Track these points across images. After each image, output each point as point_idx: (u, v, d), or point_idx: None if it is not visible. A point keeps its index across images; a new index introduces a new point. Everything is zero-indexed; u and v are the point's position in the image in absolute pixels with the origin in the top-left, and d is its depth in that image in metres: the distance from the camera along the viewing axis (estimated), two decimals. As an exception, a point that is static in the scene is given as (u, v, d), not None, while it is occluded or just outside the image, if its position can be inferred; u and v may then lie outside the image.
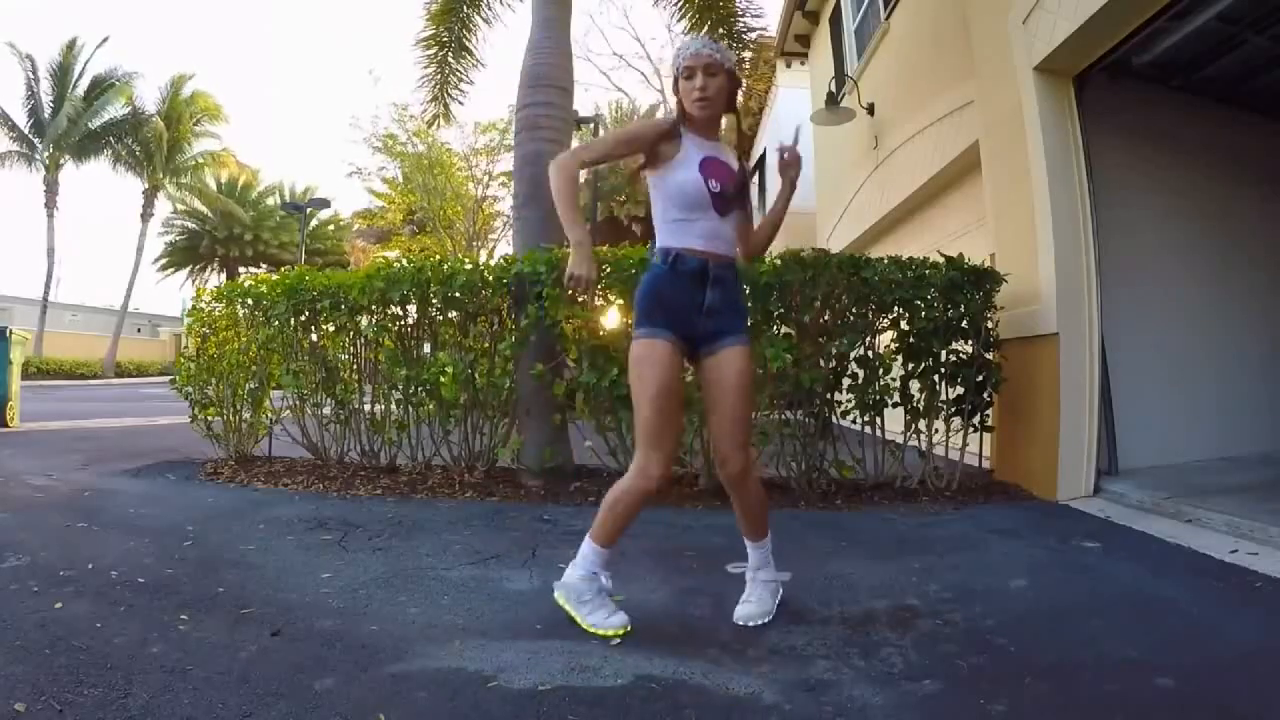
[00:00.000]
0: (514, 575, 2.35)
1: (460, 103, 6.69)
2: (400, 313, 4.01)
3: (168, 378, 6.32)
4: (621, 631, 1.81)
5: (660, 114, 17.05)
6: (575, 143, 4.88)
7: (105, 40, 22.23)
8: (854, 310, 3.68)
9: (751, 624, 1.89)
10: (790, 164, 2.05)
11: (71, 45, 21.35)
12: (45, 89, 21.29)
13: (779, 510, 3.38)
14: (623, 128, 2.01)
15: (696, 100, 1.88)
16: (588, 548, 1.91)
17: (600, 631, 1.82)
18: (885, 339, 3.83)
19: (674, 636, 1.85)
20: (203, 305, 4.65)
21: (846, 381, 3.70)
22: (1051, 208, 3.67)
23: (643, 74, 25.47)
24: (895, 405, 3.74)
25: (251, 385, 4.40)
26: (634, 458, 1.88)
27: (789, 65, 11.04)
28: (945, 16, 5.23)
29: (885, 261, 3.68)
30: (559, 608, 1.91)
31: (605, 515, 1.88)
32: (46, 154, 21.38)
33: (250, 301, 4.36)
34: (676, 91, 1.97)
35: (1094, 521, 3.15)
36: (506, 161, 18.48)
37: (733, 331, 1.90)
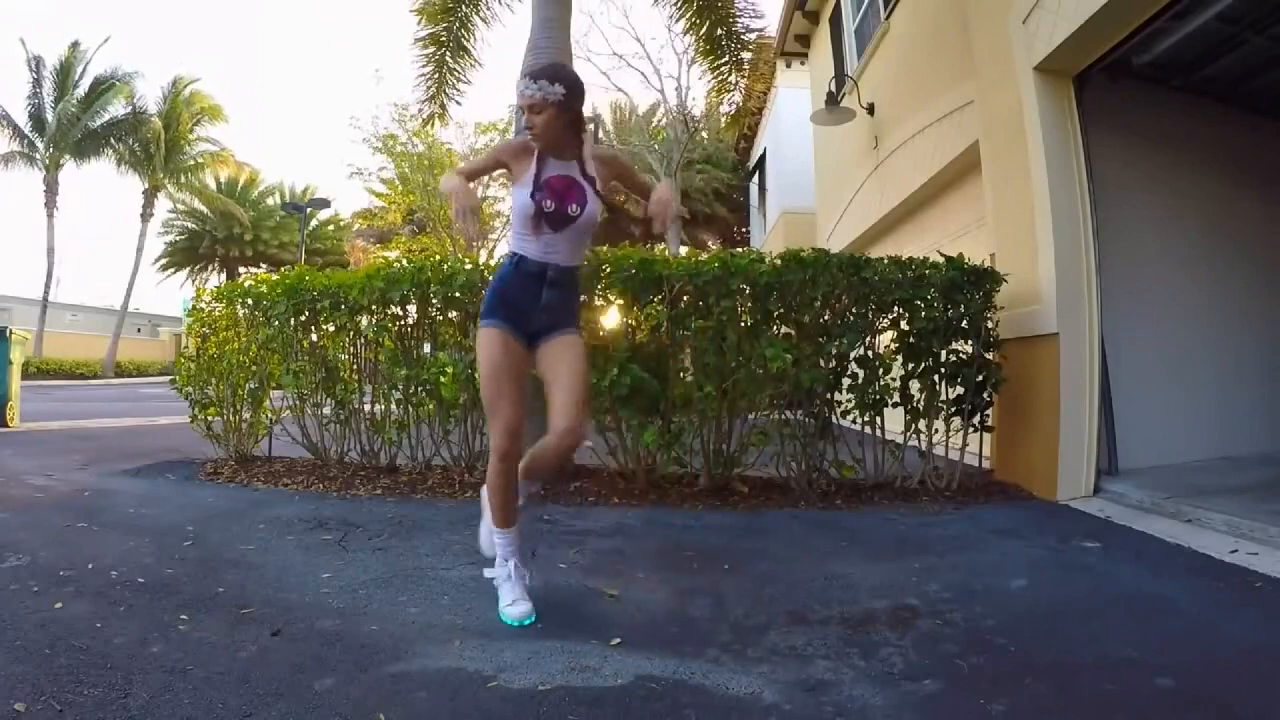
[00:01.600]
0: (514, 575, 2.35)
1: (458, 103, 6.69)
2: (400, 313, 4.01)
3: (168, 378, 6.32)
4: (523, 623, 1.91)
5: (660, 112, 17.03)
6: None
7: (107, 40, 22.12)
8: (854, 310, 3.69)
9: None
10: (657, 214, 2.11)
11: (75, 46, 21.37)
12: (47, 89, 21.30)
13: (779, 510, 3.39)
14: (499, 144, 2.14)
15: (529, 136, 2.06)
16: (491, 535, 2.12)
17: (505, 620, 1.93)
18: (885, 339, 3.83)
19: (674, 636, 1.85)
20: (203, 305, 4.64)
21: (846, 381, 3.70)
22: (1051, 208, 3.67)
23: (642, 74, 25.40)
24: (895, 405, 3.75)
25: (251, 385, 4.40)
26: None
27: (789, 65, 11.04)
28: (945, 16, 5.23)
29: (885, 261, 3.68)
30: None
31: (488, 502, 2.12)
32: (47, 154, 21.39)
33: (250, 301, 4.36)
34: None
35: (1094, 521, 3.15)
36: (506, 161, 18.45)
37: (567, 326, 2.13)
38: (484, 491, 2.15)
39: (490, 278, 3.72)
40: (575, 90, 2.05)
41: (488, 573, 2.12)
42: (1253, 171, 4.66)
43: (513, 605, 1.97)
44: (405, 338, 4.01)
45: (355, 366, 4.21)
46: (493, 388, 2.04)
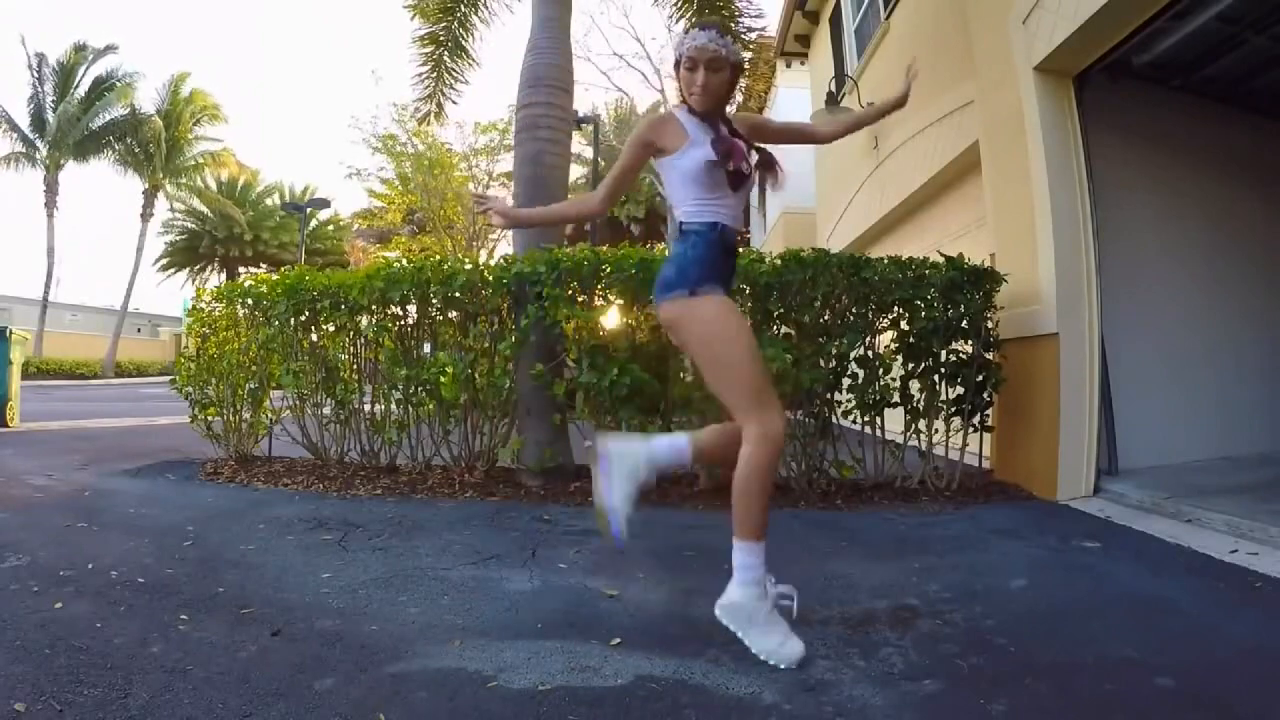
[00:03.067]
0: (514, 575, 2.35)
1: (454, 102, 6.73)
2: (400, 313, 4.01)
3: (168, 378, 6.32)
4: (795, 662, 1.63)
5: (662, 110, 16.99)
6: (575, 142, 4.90)
7: (111, 48, 22.08)
8: (854, 310, 3.69)
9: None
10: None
11: (81, 48, 21.38)
12: (48, 89, 21.31)
13: (779, 510, 3.38)
14: (632, 138, 2.00)
15: (696, 95, 1.90)
16: (742, 553, 1.72)
17: (773, 662, 1.64)
18: (885, 339, 3.83)
19: (674, 636, 1.85)
20: (203, 305, 4.64)
21: (846, 381, 3.70)
22: (1051, 208, 3.67)
23: (643, 74, 25.44)
24: (895, 405, 3.75)
25: (251, 385, 4.40)
26: (746, 428, 1.72)
27: (789, 65, 11.06)
28: (945, 16, 5.23)
29: (885, 261, 3.68)
30: (724, 626, 1.73)
31: (740, 504, 1.71)
32: (48, 154, 21.40)
33: (250, 301, 4.36)
34: (677, 75, 1.98)
35: (1094, 521, 3.15)
36: (507, 161, 18.49)
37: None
38: (736, 489, 1.72)
39: (490, 277, 3.78)
40: (743, 60, 1.99)
41: (722, 609, 1.73)
42: (1253, 171, 4.66)
43: (784, 645, 1.65)
44: (405, 338, 4.01)
45: (355, 366, 4.21)
46: (756, 360, 1.77)
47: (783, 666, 1.62)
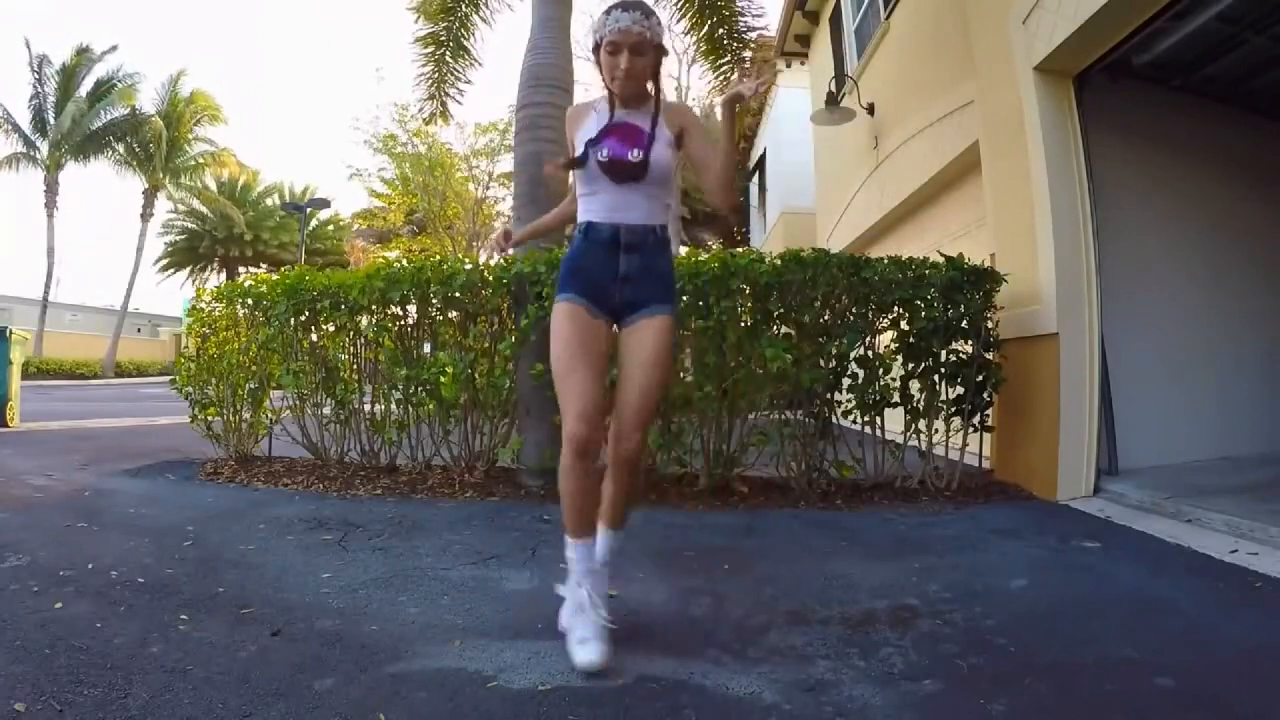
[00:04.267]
0: (514, 575, 2.35)
1: (459, 102, 6.71)
2: (400, 313, 4.01)
3: (168, 378, 6.32)
4: (588, 670, 1.59)
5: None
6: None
7: (113, 48, 22.11)
8: (854, 310, 3.69)
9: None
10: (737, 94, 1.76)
11: (85, 50, 21.39)
12: (49, 90, 21.32)
13: (779, 510, 3.39)
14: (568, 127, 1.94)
15: (619, 81, 1.80)
16: (567, 548, 1.79)
17: (572, 657, 1.63)
18: (885, 339, 3.83)
19: (674, 636, 1.85)
20: (203, 305, 4.64)
21: (846, 381, 3.70)
22: (1051, 208, 3.67)
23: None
24: (895, 405, 3.75)
25: (251, 385, 4.40)
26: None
27: (789, 65, 11.04)
28: (945, 16, 5.23)
29: (885, 261, 3.68)
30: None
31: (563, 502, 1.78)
32: (48, 155, 21.40)
33: (250, 301, 4.36)
34: (596, 59, 1.86)
35: (1094, 521, 3.15)
36: (506, 162, 18.48)
37: (653, 302, 1.81)
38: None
39: (490, 277, 3.79)
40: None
41: (560, 589, 1.82)
42: (1253, 171, 4.66)
43: (582, 644, 1.62)
44: (405, 338, 4.01)
45: (355, 366, 4.21)
46: (562, 364, 1.76)
47: (578, 663, 1.61)
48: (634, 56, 1.77)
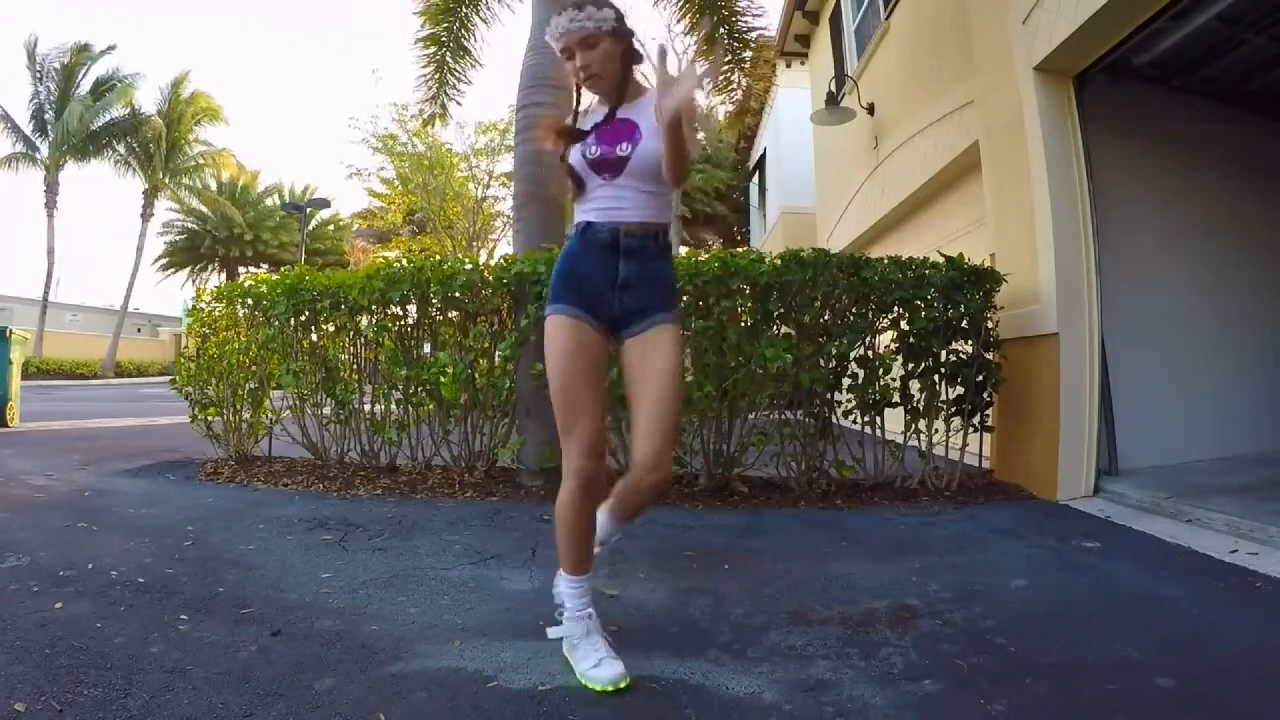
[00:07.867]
0: (514, 575, 2.35)
1: (459, 103, 6.72)
2: (400, 313, 4.01)
3: (168, 378, 6.32)
4: (616, 686, 1.53)
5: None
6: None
7: (112, 48, 22.11)
8: (854, 310, 3.69)
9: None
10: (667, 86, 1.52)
11: (84, 49, 21.39)
12: (50, 89, 21.32)
13: (779, 510, 3.39)
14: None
15: (590, 81, 1.73)
16: (562, 583, 1.72)
17: (591, 685, 1.54)
18: (885, 339, 3.83)
19: (674, 636, 1.85)
20: (203, 305, 4.64)
21: (846, 381, 3.70)
22: (1051, 208, 3.67)
23: (643, 74, 25.42)
24: (895, 405, 3.75)
25: (251, 385, 4.40)
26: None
27: (789, 65, 11.04)
28: (945, 16, 5.23)
29: (885, 261, 3.68)
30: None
31: (558, 536, 1.68)
32: (48, 155, 21.41)
33: (250, 301, 4.36)
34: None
35: (1094, 521, 3.15)
36: (507, 162, 18.47)
37: (655, 311, 1.69)
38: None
39: (491, 277, 3.79)
40: (622, 14, 1.70)
41: (552, 632, 1.69)
42: (1253, 171, 4.66)
43: (599, 667, 1.55)
44: (405, 338, 4.01)
45: (355, 366, 4.21)
46: (566, 393, 1.65)
47: (597, 688, 1.53)
48: (587, 52, 1.69)
